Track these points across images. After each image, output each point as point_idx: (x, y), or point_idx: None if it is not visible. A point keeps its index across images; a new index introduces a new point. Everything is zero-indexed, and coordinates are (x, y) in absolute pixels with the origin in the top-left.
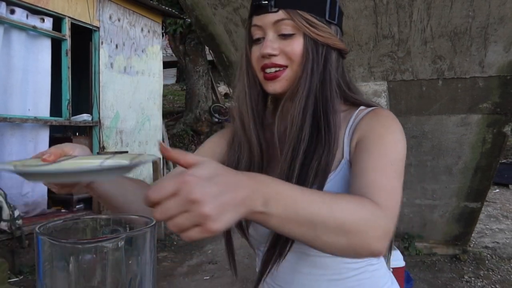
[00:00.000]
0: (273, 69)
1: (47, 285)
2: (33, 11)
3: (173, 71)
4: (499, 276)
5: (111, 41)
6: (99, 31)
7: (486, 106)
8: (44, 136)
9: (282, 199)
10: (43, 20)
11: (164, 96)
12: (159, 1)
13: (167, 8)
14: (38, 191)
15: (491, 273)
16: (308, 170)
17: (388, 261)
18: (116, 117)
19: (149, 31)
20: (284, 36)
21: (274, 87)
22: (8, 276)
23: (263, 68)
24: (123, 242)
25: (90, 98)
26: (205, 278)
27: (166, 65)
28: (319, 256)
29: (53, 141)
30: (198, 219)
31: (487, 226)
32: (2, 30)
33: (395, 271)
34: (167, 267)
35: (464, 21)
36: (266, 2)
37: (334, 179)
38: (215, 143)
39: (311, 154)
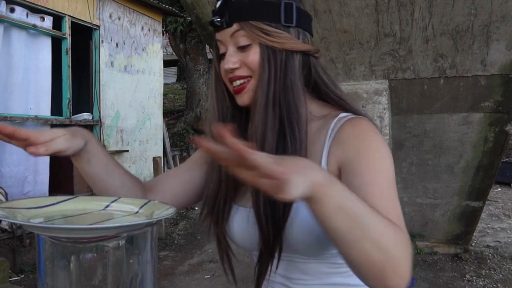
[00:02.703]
0: (238, 82)
1: (48, 284)
2: (33, 9)
3: (173, 69)
4: (501, 275)
5: (111, 40)
6: (99, 29)
7: (488, 105)
8: None
9: (337, 183)
10: (43, 19)
11: (164, 95)
12: (159, 0)
13: (167, 6)
14: (39, 190)
15: (492, 272)
16: None
17: None
18: (117, 116)
19: (149, 30)
20: (242, 48)
21: (242, 99)
22: (9, 275)
23: (231, 82)
24: (124, 241)
25: (90, 97)
26: (206, 277)
27: (167, 63)
28: (306, 262)
29: None
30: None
31: (489, 225)
32: (2, 29)
33: None
34: (168, 266)
35: (466, 19)
36: (219, 19)
37: None
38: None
39: None
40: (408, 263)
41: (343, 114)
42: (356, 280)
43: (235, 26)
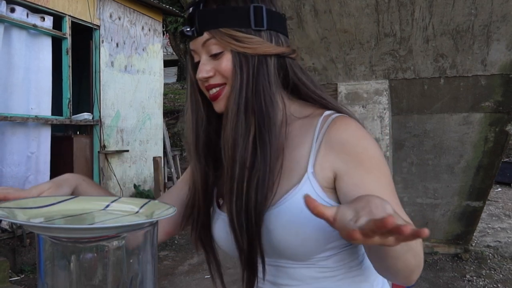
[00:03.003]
0: (214, 90)
1: (48, 284)
2: (34, 9)
3: (173, 69)
4: (501, 275)
5: (111, 40)
6: (99, 29)
7: (488, 105)
8: (46, 135)
9: None
10: (44, 19)
11: (164, 94)
12: (160, 0)
13: (167, 6)
14: None
15: (493, 272)
16: (249, 190)
17: None
18: (117, 116)
19: (149, 30)
20: (215, 56)
21: (219, 106)
22: (9, 274)
23: (207, 90)
24: (124, 241)
25: (90, 97)
26: (206, 277)
27: (167, 63)
28: (293, 267)
29: (54, 140)
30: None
31: (489, 225)
32: (2, 29)
33: None
34: (168, 266)
35: (467, 19)
36: (189, 29)
37: (296, 195)
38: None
39: (249, 172)
40: (417, 269)
41: (327, 112)
42: (345, 285)
43: (205, 35)
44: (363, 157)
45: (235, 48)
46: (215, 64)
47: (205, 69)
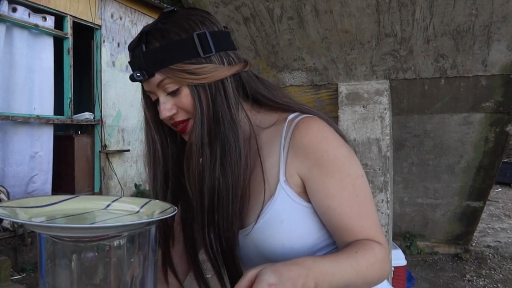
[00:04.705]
0: (180, 125)
1: (49, 283)
2: (35, 9)
3: None
4: (501, 275)
5: (113, 40)
6: (100, 29)
7: (488, 105)
8: (49, 134)
9: (326, 277)
10: (45, 19)
11: None
12: (161, 0)
13: (168, 6)
14: (42, 189)
15: (493, 272)
16: (219, 219)
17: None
18: (118, 116)
19: None
20: (173, 93)
21: (188, 137)
22: (10, 273)
23: (173, 125)
24: (125, 241)
25: (92, 96)
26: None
27: None
28: None
29: (55, 140)
30: None
31: (489, 225)
32: (4, 29)
33: (397, 270)
34: None
35: (467, 20)
36: (139, 74)
37: (273, 207)
38: None
39: (218, 201)
40: (383, 275)
41: (291, 116)
42: None
43: (158, 76)
44: (323, 161)
45: (191, 81)
46: (175, 101)
47: (166, 108)
